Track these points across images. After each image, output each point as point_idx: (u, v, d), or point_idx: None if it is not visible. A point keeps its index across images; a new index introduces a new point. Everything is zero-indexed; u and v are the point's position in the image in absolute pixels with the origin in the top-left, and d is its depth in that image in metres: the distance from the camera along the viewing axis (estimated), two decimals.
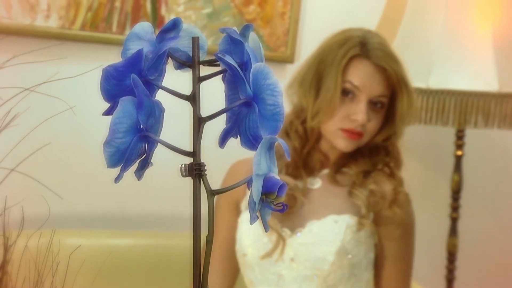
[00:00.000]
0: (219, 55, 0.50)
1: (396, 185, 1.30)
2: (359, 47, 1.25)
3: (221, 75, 0.53)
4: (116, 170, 0.50)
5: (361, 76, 1.25)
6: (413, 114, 1.32)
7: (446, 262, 1.85)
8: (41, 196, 0.96)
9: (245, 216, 1.32)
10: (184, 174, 0.50)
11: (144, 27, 0.52)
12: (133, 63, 0.50)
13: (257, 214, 0.48)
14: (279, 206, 0.49)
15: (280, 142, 0.49)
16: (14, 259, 0.82)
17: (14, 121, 0.84)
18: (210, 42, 1.65)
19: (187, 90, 0.51)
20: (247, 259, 1.30)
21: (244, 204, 1.33)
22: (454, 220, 1.83)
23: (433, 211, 1.92)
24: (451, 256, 1.84)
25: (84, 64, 1.09)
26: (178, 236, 1.65)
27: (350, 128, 1.25)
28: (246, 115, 0.51)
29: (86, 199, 1.70)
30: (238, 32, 0.52)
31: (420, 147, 1.98)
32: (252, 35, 0.52)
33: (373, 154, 1.32)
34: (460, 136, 1.77)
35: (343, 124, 1.26)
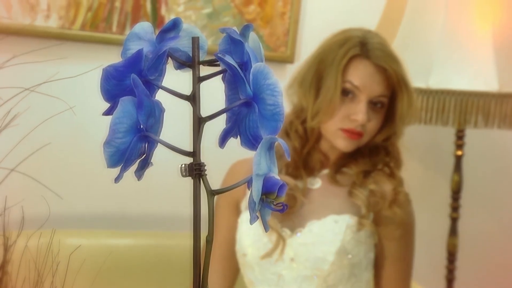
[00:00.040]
0: (219, 55, 0.50)
1: (396, 185, 1.30)
2: (359, 47, 1.25)
3: (221, 75, 0.53)
4: (116, 170, 0.50)
5: (361, 76, 1.25)
6: (413, 114, 1.32)
7: (446, 262, 1.85)
8: (41, 196, 0.96)
9: (245, 216, 1.32)
10: (184, 174, 0.50)
11: (144, 27, 0.52)
12: (133, 63, 0.50)
13: (257, 214, 0.48)
14: (279, 206, 0.49)
15: (280, 142, 0.49)
16: (14, 259, 0.82)
17: (14, 121, 0.84)
18: (210, 42, 1.65)
19: (187, 90, 0.51)
20: (247, 259, 1.30)
21: (244, 204, 1.33)
22: (454, 220, 1.83)
23: (433, 211, 1.92)
24: (451, 256, 1.84)
25: (84, 64, 1.09)
26: (178, 236, 1.65)
27: (350, 128, 1.25)
28: (246, 115, 0.51)
29: (86, 199, 1.70)
30: (238, 32, 0.52)
31: (420, 147, 1.98)
32: (252, 35, 0.52)
33: (373, 154, 1.32)
34: (460, 136, 1.77)
35: (343, 124, 1.26)
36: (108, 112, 0.51)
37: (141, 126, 0.49)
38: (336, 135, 1.27)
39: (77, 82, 1.10)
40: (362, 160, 1.31)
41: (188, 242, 0.55)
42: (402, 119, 1.29)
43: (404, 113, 1.29)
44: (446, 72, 1.61)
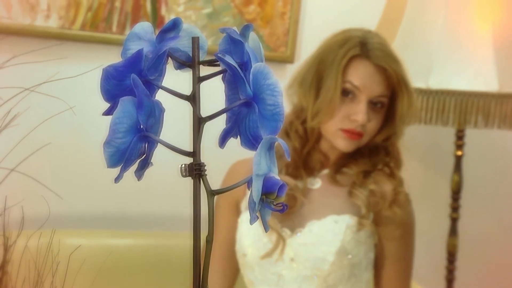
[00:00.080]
0: (219, 55, 0.50)
1: (396, 185, 1.30)
2: (359, 47, 1.25)
3: (221, 75, 0.53)
4: (116, 170, 0.50)
5: (361, 76, 1.25)
6: (413, 114, 1.32)
7: (446, 262, 1.85)
8: (41, 196, 0.96)
9: (245, 216, 1.32)
10: (184, 174, 0.50)
11: (144, 27, 0.52)
12: (133, 63, 0.50)
13: (257, 214, 0.48)
14: (279, 206, 0.49)
15: (280, 142, 0.49)
16: (14, 259, 0.82)
17: (14, 121, 0.84)
18: (210, 42, 1.65)
19: (187, 90, 0.51)
20: (247, 259, 1.30)
21: (244, 204, 1.33)
22: (454, 220, 1.83)
23: (433, 211, 1.92)
24: (451, 256, 1.84)
25: (84, 64, 1.09)
26: (178, 236, 1.65)
27: (350, 128, 1.25)
28: (246, 115, 0.51)
29: (86, 199, 1.70)
30: (238, 32, 0.52)
31: (420, 147, 1.98)
32: (252, 35, 0.52)
33: (373, 154, 1.32)
34: (460, 136, 1.77)
35: (343, 124, 1.26)
36: (108, 112, 0.51)
37: (141, 126, 0.49)
38: (336, 135, 1.27)
39: (77, 82, 1.10)
40: (362, 160, 1.31)
41: (188, 242, 0.55)
42: (402, 119, 1.29)
43: (404, 113, 1.28)
44: (446, 72, 1.61)
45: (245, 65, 0.51)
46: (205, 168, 0.50)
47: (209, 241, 0.49)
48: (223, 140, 0.53)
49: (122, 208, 1.73)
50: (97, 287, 1.24)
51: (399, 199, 1.28)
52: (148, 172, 0.53)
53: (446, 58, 1.61)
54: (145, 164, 0.52)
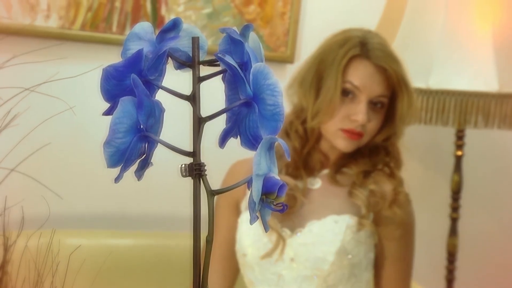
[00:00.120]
0: (219, 55, 0.50)
1: (396, 185, 1.30)
2: (359, 47, 1.25)
3: (221, 75, 0.53)
4: (116, 170, 0.50)
5: (361, 76, 1.25)
6: (413, 114, 1.32)
7: (446, 262, 1.85)
8: (41, 196, 0.96)
9: (245, 216, 1.32)
10: (184, 174, 0.50)
11: (144, 27, 0.52)
12: (133, 63, 0.50)
13: (257, 214, 0.48)
14: (279, 206, 0.49)
15: (280, 142, 0.49)
16: (14, 259, 0.82)
17: (14, 121, 0.84)
18: (210, 42, 1.65)
19: (187, 90, 0.51)
20: (247, 259, 1.30)
21: (244, 204, 1.33)
22: (454, 220, 1.83)
23: (433, 211, 1.92)
24: (451, 256, 1.84)
25: (84, 64, 1.09)
26: (178, 236, 1.65)
27: (350, 128, 1.25)
28: (246, 115, 0.51)
29: (86, 199, 1.70)
30: (238, 32, 0.51)
31: (420, 147, 1.98)
32: (252, 35, 0.52)
33: (373, 154, 1.32)
34: (460, 136, 1.77)
35: (343, 124, 1.26)
36: (108, 112, 0.51)
37: (141, 126, 0.49)
38: (336, 135, 1.27)
39: (77, 82, 1.10)
40: (362, 160, 1.31)
41: (188, 242, 0.55)
42: (402, 119, 1.29)
43: (404, 113, 1.28)
44: (446, 72, 1.61)
45: (245, 65, 0.51)
46: (205, 168, 0.50)
47: (209, 241, 0.49)
48: (223, 140, 0.53)
49: (122, 208, 1.73)
50: (97, 287, 1.24)
51: (399, 199, 1.28)
52: (148, 172, 0.53)
53: (446, 58, 1.61)
54: (145, 164, 0.52)
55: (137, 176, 0.52)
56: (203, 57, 0.52)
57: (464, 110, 1.63)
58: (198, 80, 0.51)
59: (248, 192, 0.49)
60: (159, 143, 0.51)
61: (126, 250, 1.60)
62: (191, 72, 0.51)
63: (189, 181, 0.50)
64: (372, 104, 1.27)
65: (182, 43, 0.53)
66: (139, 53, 0.49)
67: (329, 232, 1.25)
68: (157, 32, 0.52)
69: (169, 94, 0.51)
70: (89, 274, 1.10)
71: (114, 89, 0.50)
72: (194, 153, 0.50)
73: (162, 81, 0.52)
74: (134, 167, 0.51)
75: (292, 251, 1.26)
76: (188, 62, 0.52)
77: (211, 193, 0.49)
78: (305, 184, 1.30)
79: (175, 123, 0.94)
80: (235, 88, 0.51)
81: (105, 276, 1.48)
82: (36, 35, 1.57)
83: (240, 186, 0.50)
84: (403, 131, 1.32)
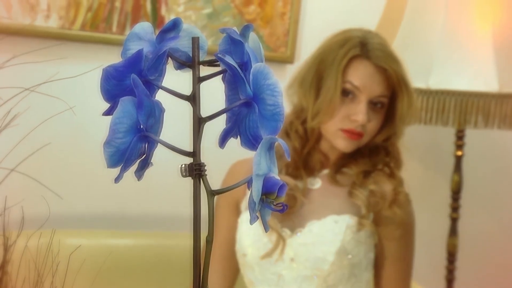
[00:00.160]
0: (219, 55, 0.50)
1: (396, 185, 1.30)
2: (359, 47, 1.25)
3: (221, 75, 0.53)
4: (116, 170, 0.50)
5: (361, 76, 1.25)
6: (413, 114, 1.32)
7: (446, 262, 1.85)
8: (41, 196, 0.96)
9: (245, 216, 1.32)
10: (184, 174, 0.50)
11: (144, 27, 0.52)
12: (133, 63, 0.50)
13: (257, 214, 0.48)
14: (279, 206, 0.49)
15: (280, 142, 0.49)
16: (14, 259, 0.82)
17: (14, 121, 0.84)
18: (210, 42, 1.65)
19: (187, 90, 0.51)
20: (247, 259, 1.30)
21: (244, 204, 1.33)
22: (454, 220, 1.83)
23: (433, 211, 1.92)
24: (451, 256, 1.84)
25: (84, 64, 1.09)
26: (178, 236, 1.65)
27: (350, 128, 1.25)
28: (246, 115, 0.51)
29: (86, 199, 1.70)
30: (238, 32, 0.52)
31: (420, 147, 1.98)
32: (252, 35, 0.52)
33: (373, 154, 1.32)
34: (460, 136, 1.77)
35: (343, 124, 1.26)
36: (108, 112, 0.51)
37: (141, 126, 0.49)
38: (336, 135, 1.27)
39: (77, 82, 1.10)
40: (362, 160, 1.31)
41: (188, 242, 0.55)
42: (402, 119, 1.29)
43: (404, 113, 1.29)
44: (446, 72, 1.61)
45: (245, 65, 0.51)
46: (205, 168, 0.50)
47: (209, 241, 0.49)
48: (223, 140, 0.53)
49: (122, 208, 1.73)
50: (97, 287, 1.24)
51: (399, 199, 1.28)
52: (148, 172, 0.53)
53: (446, 58, 1.61)
54: (145, 164, 0.52)
55: (137, 176, 0.52)
56: (203, 57, 0.52)
57: (464, 110, 1.63)
58: (198, 80, 0.51)
59: (248, 192, 0.49)
60: (159, 143, 0.51)
61: (126, 250, 1.60)
62: (191, 72, 0.51)
63: (189, 181, 0.50)
64: (372, 104, 1.27)
65: (182, 43, 0.53)
66: (139, 53, 0.49)
67: (329, 232, 1.25)
68: (157, 32, 0.52)
69: (169, 94, 0.51)
70: (89, 274, 1.10)
71: (114, 89, 0.50)
72: (194, 153, 0.50)
73: (162, 81, 0.52)
74: (134, 167, 0.51)
75: (292, 251, 1.26)
76: (188, 62, 0.52)
77: (211, 193, 0.49)
78: (305, 184, 1.31)
79: (175, 123, 0.94)
80: (235, 88, 0.51)
81: (105, 276, 1.48)
82: (36, 35, 1.57)
83: (240, 186, 0.50)
84: (403, 131, 1.32)
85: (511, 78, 1.62)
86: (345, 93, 1.26)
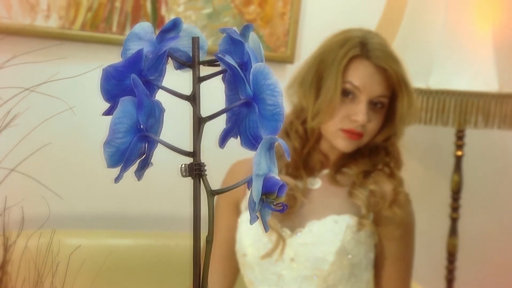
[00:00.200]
0: (219, 55, 0.50)
1: (396, 185, 1.30)
2: (359, 47, 1.25)
3: (221, 75, 0.53)
4: (116, 170, 0.50)
5: (361, 76, 1.25)
6: (413, 114, 1.32)
7: (446, 262, 1.85)
8: (41, 196, 0.96)
9: (245, 216, 1.32)
10: (184, 174, 0.50)
11: (144, 27, 0.52)
12: (133, 63, 0.50)
13: (257, 214, 0.48)
14: (279, 206, 0.49)
15: (280, 142, 0.49)
16: (14, 259, 0.82)
17: (14, 121, 0.84)
18: (210, 42, 1.65)
19: (187, 90, 0.51)
20: (247, 259, 1.30)
21: (244, 204, 1.33)
22: (454, 220, 1.83)
23: (433, 211, 1.92)
24: (451, 256, 1.84)
25: (84, 64, 1.09)
26: (178, 236, 1.65)
27: (350, 128, 1.25)
28: (246, 115, 0.51)
29: (86, 199, 1.70)
30: (238, 32, 0.51)
31: (420, 147, 1.98)
32: (252, 35, 0.52)
33: (373, 154, 1.32)
34: (460, 136, 1.77)
35: (343, 124, 1.26)
36: (108, 112, 0.51)
37: (141, 126, 0.49)
38: (336, 135, 1.27)
39: (77, 82, 1.10)
40: (362, 160, 1.31)
41: (188, 242, 0.55)
42: (402, 119, 1.29)
43: (404, 113, 1.29)
44: (446, 72, 1.61)
45: (245, 65, 0.51)
46: (205, 168, 0.50)
47: (209, 241, 0.49)
48: (223, 140, 0.53)
49: (122, 208, 1.73)
50: (97, 287, 1.24)
51: (399, 199, 1.28)
52: (148, 172, 0.53)
53: (446, 58, 1.61)
54: (145, 164, 0.52)
55: (137, 176, 0.52)
56: (203, 57, 0.52)
57: (464, 110, 1.63)
58: (198, 80, 0.51)
59: (248, 192, 0.49)
60: (159, 143, 0.51)
61: (126, 250, 1.60)
62: (191, 72, 0.51)
63: (189, 181, 0.50)
64: (372, 104, 1.27)
65: (182, 43, 0.53)
66: (139, 53, 0.49)
67: (329, 232, 1.25)
68: (157, 32, 0.52)
69: (169, 94, 0.51)
70: (89, 274, 1.10)
71: (114, 89, 0.50)
72: (194, 153, 0.50)
73: (162, 81, 0.52)
74: (134, 167, 0.51)
75: (292, 251, 1.26)
76: (188, 62, 0.52)
77: (211, 193, 0.49)
78: (305, 184, 1.31)
79: (175, 123, 0.94)
80: (235, 88, 0.51)
81: (105, 276, 1.48)
82: (36, 35, 1.57)
83: (240, 186, 0.50)
84: (403, 131, 1.32)
85: (511, 78, 1.62)
86: (345, 93, 1.26)
